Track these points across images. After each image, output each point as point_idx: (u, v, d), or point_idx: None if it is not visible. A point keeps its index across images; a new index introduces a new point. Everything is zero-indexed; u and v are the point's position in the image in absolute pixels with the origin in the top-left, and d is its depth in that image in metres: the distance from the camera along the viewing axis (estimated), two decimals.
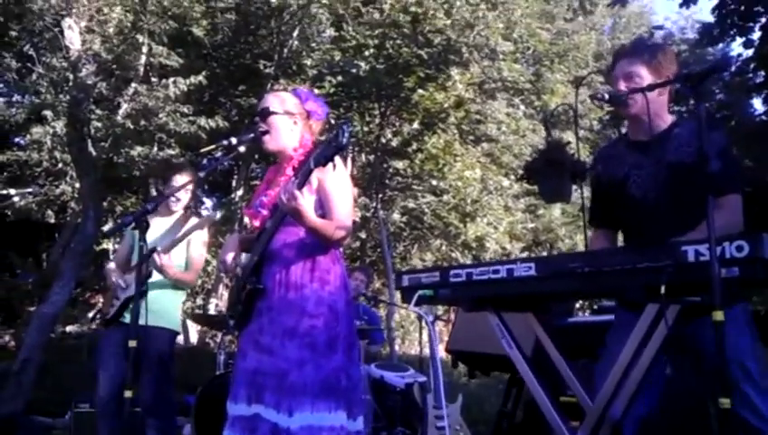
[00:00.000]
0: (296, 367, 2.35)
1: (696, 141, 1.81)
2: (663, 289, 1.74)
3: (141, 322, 3.68)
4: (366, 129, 12.67)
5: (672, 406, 3.35)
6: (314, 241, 2.48)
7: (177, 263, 3.82)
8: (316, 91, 10.22)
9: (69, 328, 11.40)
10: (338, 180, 2.52)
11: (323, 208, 2.52)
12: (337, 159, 2.46)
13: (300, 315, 2.41)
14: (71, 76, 8.52)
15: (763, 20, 7.54)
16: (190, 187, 3.94)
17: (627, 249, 2.16)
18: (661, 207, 2.23)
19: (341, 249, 2.67)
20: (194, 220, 3.92)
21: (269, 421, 2.33)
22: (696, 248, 1.74)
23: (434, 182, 13.06)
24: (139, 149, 10.07)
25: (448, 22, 11.70)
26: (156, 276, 3.63)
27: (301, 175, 2.31)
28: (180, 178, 3.90)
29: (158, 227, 3.95)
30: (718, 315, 1.66)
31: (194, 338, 12.15)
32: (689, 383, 2.53)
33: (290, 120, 2.63)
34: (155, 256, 3.51)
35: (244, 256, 2.66)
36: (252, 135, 2.59)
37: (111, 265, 4.03)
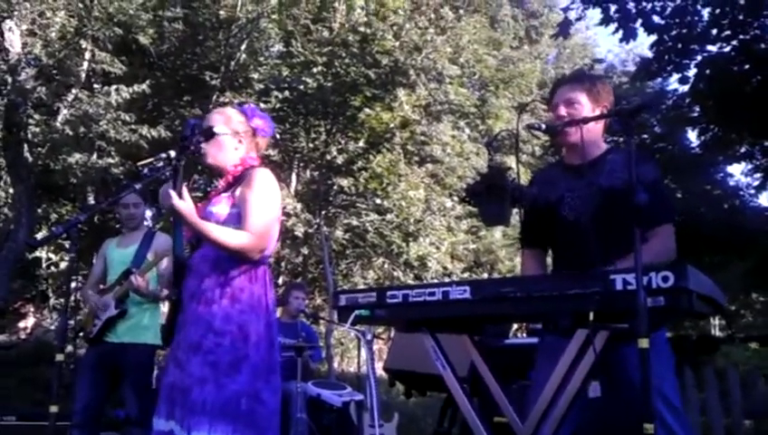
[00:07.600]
0: (198, 384, 2.28)
1: (627, 172, 1.87)
2: (591, 316, 1.79)
3: (122, 340, 3.85)
4: (311, 145, 12.66)
5: (602, 428, 3.43)
6: (229, 257, 2.41)
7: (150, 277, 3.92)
8: (262, 105, 10.16)
9: None
10: (258, 193, 2.43)
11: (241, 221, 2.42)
12: (266, 174, 2.47)
13: (206, 331, 2.34)
14: (9, 79, 8.29)
15: (699, 58, 7.87)
16: (131, 202, 4.14)
17: (557, 276, 2.20)
18: (593, 229, 2.24)
19: (270, 268, 2.61)
20: (161, 237, 4.07)
21: None
22: (623, 277, 1.79)
23: (378, 201, 13.09)
24: (77, 156, 9.79)
25: (397, 44, 11.87)
26: (133, 295, 3.84)
27: (171, 174, 2.33)
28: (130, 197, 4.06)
29: (127, 243, 4.11)
30: (644, 343, 1.70)
31: None
32: (618, 407, 2.58)
33: (234, 140, 2.56)
34: (131, 278, 3.67)
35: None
36: (192, 149, 2.53)
37: (87, 289, 4.13)
